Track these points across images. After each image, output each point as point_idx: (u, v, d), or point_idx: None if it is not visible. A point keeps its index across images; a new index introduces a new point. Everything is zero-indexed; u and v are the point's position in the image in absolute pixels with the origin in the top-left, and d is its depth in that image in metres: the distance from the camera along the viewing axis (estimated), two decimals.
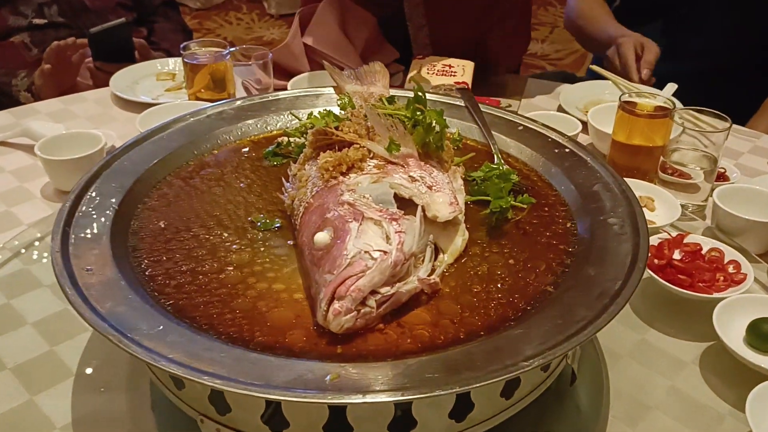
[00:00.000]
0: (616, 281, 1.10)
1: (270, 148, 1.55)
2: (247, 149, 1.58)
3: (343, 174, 1.22)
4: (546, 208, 1.35)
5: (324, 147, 1.28)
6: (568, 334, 0.98)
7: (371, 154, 1.27)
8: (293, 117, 1.66)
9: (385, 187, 1.18)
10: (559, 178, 1.42)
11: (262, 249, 1.23)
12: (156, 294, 1.12)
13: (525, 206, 1.32)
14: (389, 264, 1.03)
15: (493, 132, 1.58)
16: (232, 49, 2.27)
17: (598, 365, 1.37)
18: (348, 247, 1.05)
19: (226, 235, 1.27)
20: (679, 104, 2.07)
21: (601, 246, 1.20)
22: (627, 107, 1.93)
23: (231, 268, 1.17)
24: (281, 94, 1.72)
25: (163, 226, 1.29)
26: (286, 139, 1.56)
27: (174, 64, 2.78)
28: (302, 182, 1.27)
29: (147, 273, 1.17)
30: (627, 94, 1.99)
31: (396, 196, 1.18)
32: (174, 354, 0.96)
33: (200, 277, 1.16)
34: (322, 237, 1.08)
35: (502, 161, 1.45)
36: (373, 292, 0.94)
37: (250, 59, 2.26)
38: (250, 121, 1.64)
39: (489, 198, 1.32)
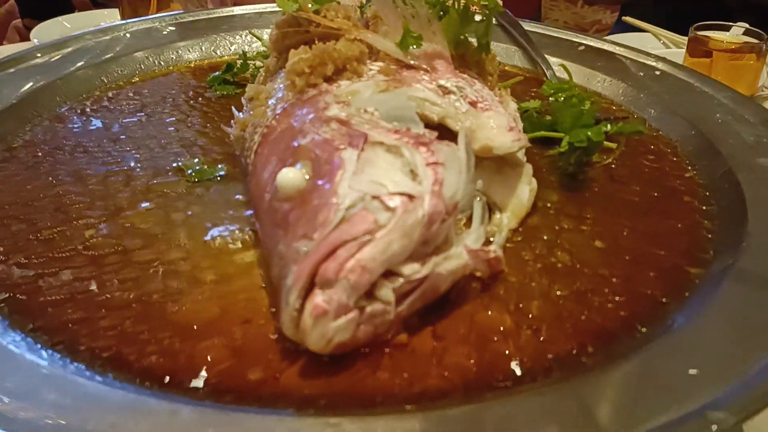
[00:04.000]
0: None
1: (217, 73, 1.04)
2: (183, 77, 1.08)
3: (329, 80, 0.72)
4: (649, 155, 0.86)
5: (296, 47, 0.78)
6: None
7: (373, 56, 0.77)
8: (254, 38, 1.16)
9: (401, 99, 0.69)
10: (657, 109, 0.94)
11: (184, 208, 0.73)
12: None
13: (613, 145, 0.83)
14: (419, 218, 0.54)
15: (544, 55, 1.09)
16: None
17: None
18: (340, 189, 0.55)
19: (134, 187, 0.76)
20: None
21: (762, 197, 0.71)
22: (701, 42, 1.45)
23: (121, 242, 0.67)
24: (237, 10, 1.23)
25: (30, 174, 0.79)
26: (241, 62, 1.06)
27: (119, 15, 2.26)
28: (260, 101, 0.77)
29: None
30: (698, 26, 1.51)
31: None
32: None
33: (67, 254, 0.65)
34: (293, 176, 0.59)
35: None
36: (390, 274, 0.52)
37: None
38: (189, 42, 1.14)
39: (558, 134, 0.83)
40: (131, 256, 0.65)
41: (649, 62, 1.02)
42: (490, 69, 0.84)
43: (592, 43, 1.10)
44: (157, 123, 0.93)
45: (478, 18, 0.80)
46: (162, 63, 1.10)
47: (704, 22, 1.55)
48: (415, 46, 0.76)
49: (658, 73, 1.00)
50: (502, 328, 0.57)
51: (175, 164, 0.82)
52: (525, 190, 0.72)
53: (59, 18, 2.23)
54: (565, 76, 1.03)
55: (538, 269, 0.64)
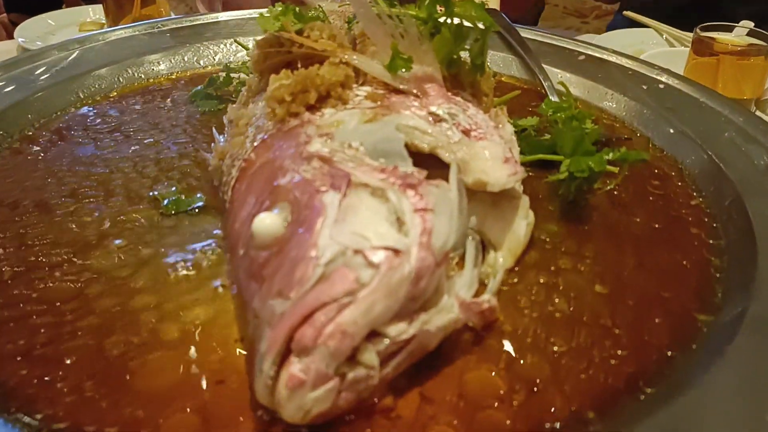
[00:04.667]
0: None
1: (199, 87, 0.99)
2: (164, 91, 1.03)
3: (311, 109, 0.67)
4: (653, 179, 0.82)
5: (279, 68, 0.73)
6: None
7: (361, 79, 0.72)
8: (239, 47, 1.11)
9: (389, 130, 0.64)
10: (661, 126, 0.89)
11: (156, 244, 0.69)
12: None
13: (616, 170, 0.78)
14: (405, 275, 0.49)
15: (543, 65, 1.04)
16: None
17: None
18: (320, 240, 0.51)
19: (104, 218, 0.72)
20: None
21: None
22: (705, 43, 1.39)
23: (84, 285, 0.63)
24: (222, 16, 1.17)
25: None
26: (224, 75, 1.01)
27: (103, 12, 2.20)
28: (239, 128, 0.72)
29: None
30: (702, 27, 1.45)
31: (408, 149, 0.63)
32: None
33: (25, 299, 0.61)
34: (270, 222, 0.54)
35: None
36: (374, 336, 0.46)
37: None
38: (171, 52, 1.09)
39: (557, 157, 0.78)
40: (94, 303, 0.61)
41: (652, 74, 0.97)
42: (485, 89, 0.79)
43: (592, 53, 1.04)
44: (135, 143, 0.88)
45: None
46: (142, 75, 1.04)
47: (708, 23, 1.49)
48: (404, 69, 0.71)
49: (662, 86, 0.95)
50: (494, 391, 0.53)
51: (150, 193, 0.77)
52: (522, 225, 0.68)
53: (43, 15, 2.17)
54: (569, 89, 0.98)
55: (534, 319, 0.60)
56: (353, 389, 0.50)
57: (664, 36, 1.99)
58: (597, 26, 3.56)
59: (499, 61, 1.07)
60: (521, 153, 0.81)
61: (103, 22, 2.19)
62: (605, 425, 0.50)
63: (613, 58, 1.02)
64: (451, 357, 0.56)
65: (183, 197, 0.76)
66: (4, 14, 2.30)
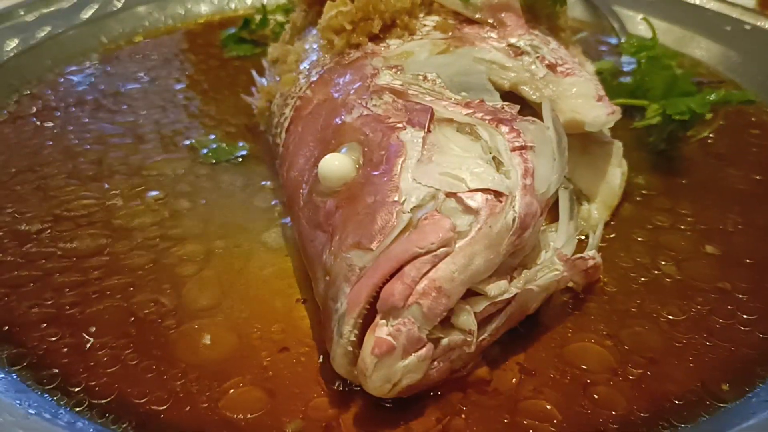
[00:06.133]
0: None
1: (232, 30, 0.91)
2: (193, 35, 0.94)
3: (374, 39, 0.58)
4: (752, 128, 0.73)
5: None
6: None
7: (426, 8, 0.63)
8: None
9: (466, 62, 0.55)
10: (753, 72, 0.80)
11: (193, 196, 0.61)
12: None
13: (709, 116, 0.69)
14: (509, 223, 0.41)
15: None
16: None
17: None
18: (402, 183, 0.43)
19: (133, 167, 0.64)
20: None
21: None
22: None
23: (112, 240, 0.55)
24: None
25: (14, 154, 0.67)
26: (260, 17, 0.92)
27: None
28: (289, 64, 0.63)
29: None
30: None
31: None
32: None
33: (49, 257, 0.54)
34: (339, 164, 0.46)
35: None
36: (470, 295, 0.35)
37: None
38: None
39: (642, 102, 0.69)
40: (126, 261, 0.53)
41: (736, 15, 0.87)
42: (563, 23, 0.70)
43: None
44: (164, 89, 0.80)
45: None
46: (168, 19, 0.96)
47: None
48: None
49: (748, 27, 0.85)
50: (602, 363, 0.45)
51: (186, 142, 0.69)
52: (616, 174, 0.59)
53: None
54: (639, 31, 0.89)
55: (641, 285, 0.51)
56: (447, 358, 0.42)
57: None
58: None
59: None
60: None
61: None
62: (742, 400, 0.42)
63: None
64: (550, 324, 0.48)
65: (224, 146, 0.67)
66: None
